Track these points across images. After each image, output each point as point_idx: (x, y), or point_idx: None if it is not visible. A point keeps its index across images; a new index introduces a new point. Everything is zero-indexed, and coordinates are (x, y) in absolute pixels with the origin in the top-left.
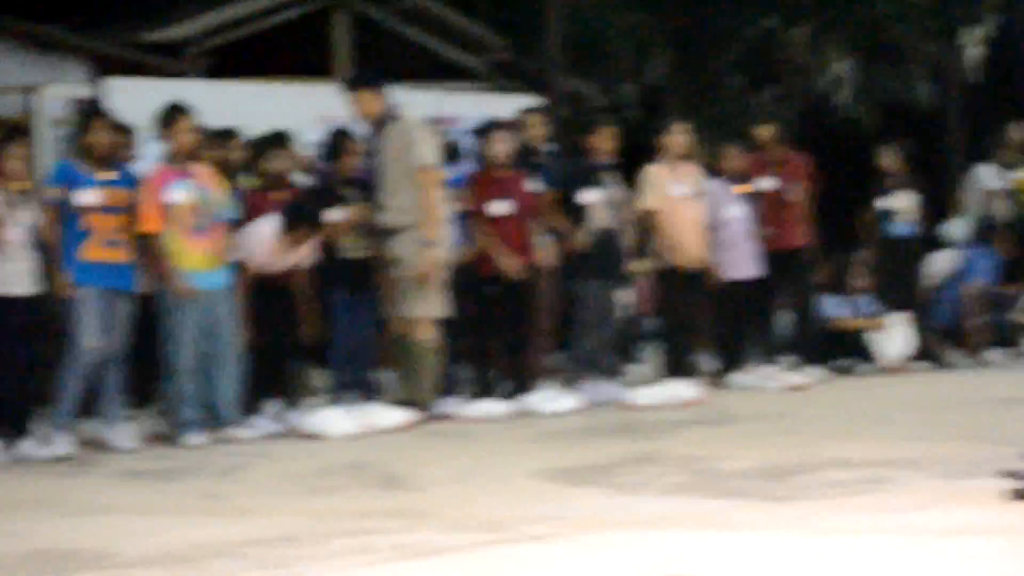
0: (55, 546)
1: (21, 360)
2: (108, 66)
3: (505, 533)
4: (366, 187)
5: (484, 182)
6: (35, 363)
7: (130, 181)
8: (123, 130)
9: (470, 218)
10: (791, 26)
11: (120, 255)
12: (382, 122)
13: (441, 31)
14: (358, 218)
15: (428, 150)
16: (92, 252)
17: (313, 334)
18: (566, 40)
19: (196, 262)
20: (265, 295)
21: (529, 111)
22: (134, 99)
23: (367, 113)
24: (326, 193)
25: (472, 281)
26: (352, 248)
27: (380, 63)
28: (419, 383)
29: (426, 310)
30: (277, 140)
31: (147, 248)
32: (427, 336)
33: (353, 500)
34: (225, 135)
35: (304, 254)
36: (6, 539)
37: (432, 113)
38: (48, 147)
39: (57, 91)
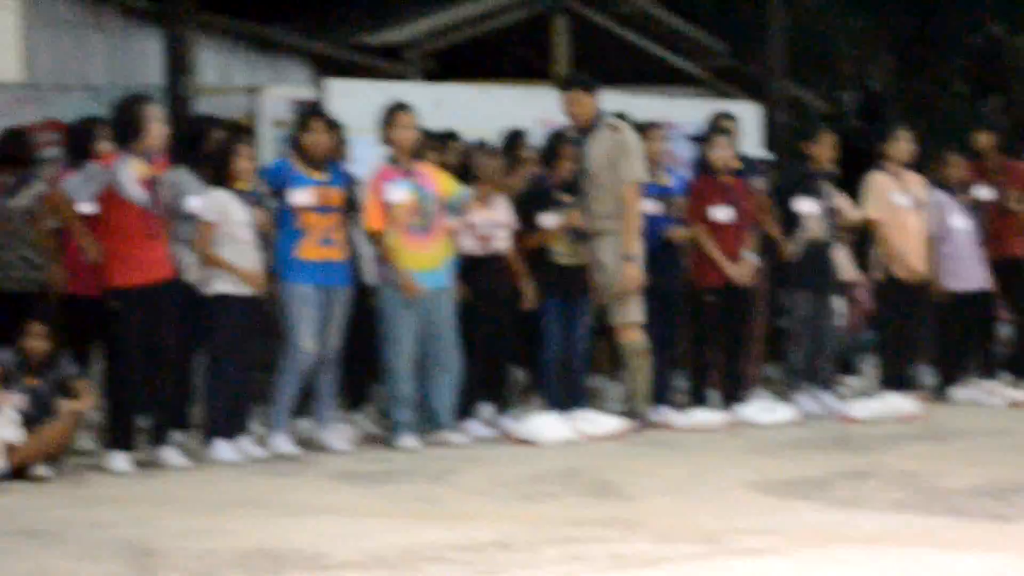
0: (268, 546)
1: (244, 360)
2: (330, 68)
3: (720, 545)
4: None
5: (706, 188)
6: (255, 363)
7: (343, 180)
8: (339, 130)
9: (690, 225)
10: (1018, 33)
11: (335, 253)
12: (592, 126)
13: (661, 36)
14: (571, 223)
15: (639, 165)
16: (307, 251)
17: (532, 303)
18: (787, 45)
19: (415, 262)
20: (480, 295)
21: (724, 117)
22: (354, 100)
23: (579, 115)
24: (541, 197)
25: (691, 289)
26: (565, 254)
27: (600, 67)
28: (630, 387)
29: (630, 314)
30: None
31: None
32: (634, 340)
33: (566, 507)
34: (446, 138)
35: (503, 218)
36: (220, 537)
37: (651, 118)
38: (270, 147)
39: (279, 92)
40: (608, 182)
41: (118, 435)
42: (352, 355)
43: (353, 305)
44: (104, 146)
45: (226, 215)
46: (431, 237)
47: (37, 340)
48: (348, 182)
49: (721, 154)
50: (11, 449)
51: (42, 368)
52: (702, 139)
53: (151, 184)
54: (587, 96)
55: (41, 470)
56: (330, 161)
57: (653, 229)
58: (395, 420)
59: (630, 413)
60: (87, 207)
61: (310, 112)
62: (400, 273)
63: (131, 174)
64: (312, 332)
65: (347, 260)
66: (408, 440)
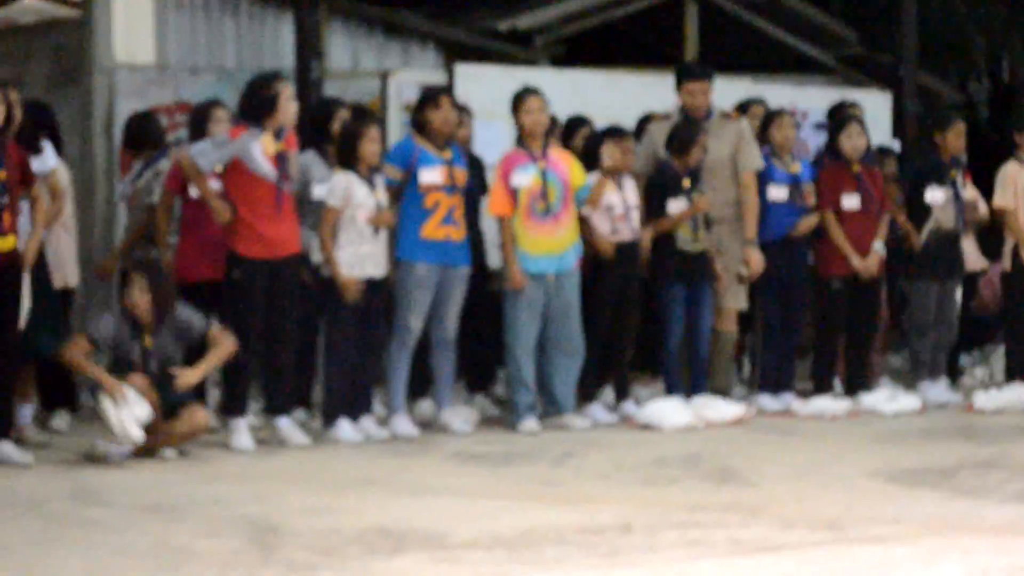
0: (388, 524)
1: (363, 341)
2: (459, 53)
3: (843, 532)
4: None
5: (837, 176)
6: (376, 345)
7: (464, 161)
8: (463, 111)
9: (820, 211)
10: None
11: (455, 233)
12: (707, 115)
13: (791, 23)
14: (697, 209)
15: (757, 153)
16: (430, 230)
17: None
18: (919, 34)
19: (537, 246)
20: (610, 279)
21: (850, 105)
22: (482, 85)
23: (700, 105)
24: (669, 183)
25: (819, 277)
26: (690, 240)
27: (729, 54)
28: (720, 373)
29: (735, 302)
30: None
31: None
32: (730, 329)
33: (687, 492)
34: (575, 123)
35: (635, 200)
36: (341, 515)
37: (780, 105)
38: (398, 131)
39: (408, 76)
40: (728, 170)
41: (234, 403)
42: (474, 338)
43: (476, 288)
44: (220, 127)
45: (348, 199)
46: (557, 222)
47: (140, 293)
48: (469, 163)
49: (853, 142)
50: (149, 429)
51: (154, 325)
52: (833, 127)
53: (280, 160)
54: (707, 86)
55: (167, 452)
56: (452, 140)
57: (780, 216)
58: (516, 403)
59: (715, 390)
60: (213, 184)
61: (438, 90)
62: (509, 260)
63: (260, 148)
64: (422, 312)
65: (466, 239)
66: (529, 423)
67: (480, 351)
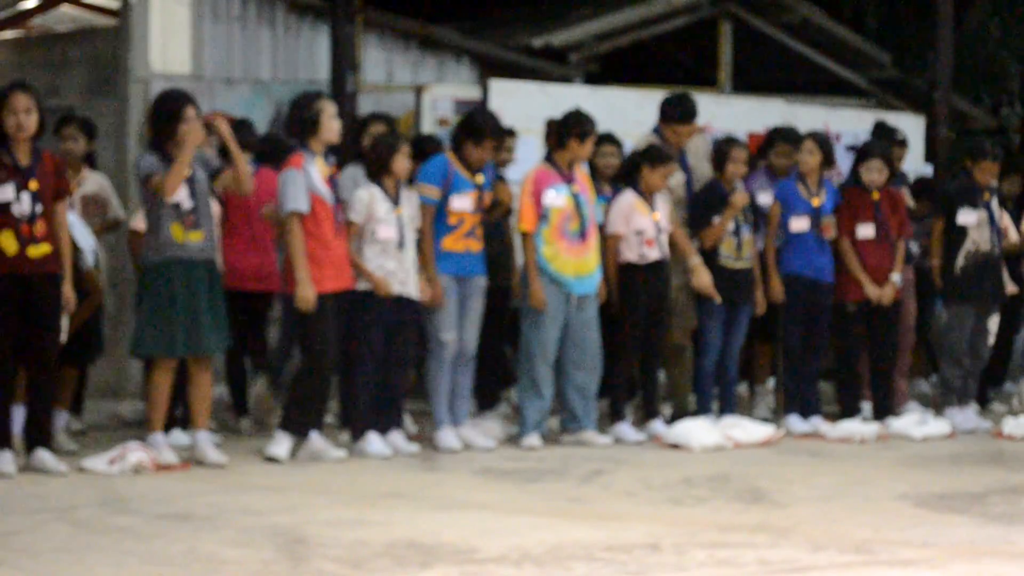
0: (417, 538)
1: (390, 356)
2: (493, 68)
3: (871, 555)
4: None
5: (856, 203)
6: (404, 360)
7: (491, 180)
8: (509, 134)
9: (839, 238)
10: None
11: (475, 244)
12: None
13: (825, 44)
14: (737, 205)
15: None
16: (450, 243)
17: None
18: (953, 59)
19: (571, 267)
20: (640, 299)
21: (885, 131)
22: (516, 101)
23: (683, 144)
24: (716, 199)
25: (838, 302)
26: (732, 257)
27: (762, 75)
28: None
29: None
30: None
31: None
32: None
33: (715, 512)
34: (603, 140)
35: (666, 223)
36: (370, 528)
37: (812, 127)
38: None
39: (442, 91)
40: None
41: (298, 422)
42: (484, 357)
43: (491, 307)
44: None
45: (371, 214)
46: (586, 244)
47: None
48: (491, 184)
49: (871, 176)
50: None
51: None
52: (859, 155)
53: (332, 183)
54: (688, 128)
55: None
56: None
57: (803, 247)
58: (526, 416)
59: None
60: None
61: (484, 127)
62: (532, 278)
63: (316, 170)
64: (451, 323)
65: (483, 251)
66: (531, 439)
67: (490, 369)
